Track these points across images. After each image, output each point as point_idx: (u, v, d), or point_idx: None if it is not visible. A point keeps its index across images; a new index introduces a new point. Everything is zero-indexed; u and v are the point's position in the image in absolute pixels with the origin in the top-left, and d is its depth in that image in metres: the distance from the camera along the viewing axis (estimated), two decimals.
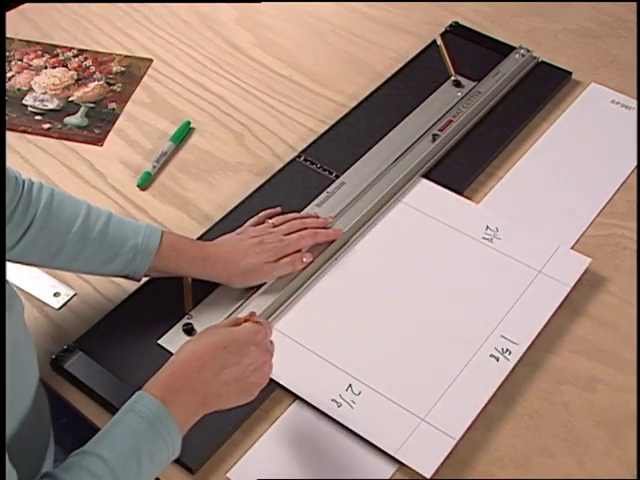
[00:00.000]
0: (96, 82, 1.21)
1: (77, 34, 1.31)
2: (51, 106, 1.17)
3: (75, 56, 1.25)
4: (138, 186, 1.08)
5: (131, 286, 0.93)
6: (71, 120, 1.15)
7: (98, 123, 1.15)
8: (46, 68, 1.23)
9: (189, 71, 1.26)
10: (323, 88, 1.23)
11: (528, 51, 1.24)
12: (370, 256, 0.98)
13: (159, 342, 0.88)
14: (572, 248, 0.99)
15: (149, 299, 0.92)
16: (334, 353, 0.87)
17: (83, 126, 1.15)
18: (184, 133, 1.15)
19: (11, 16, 1.33)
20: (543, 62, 1.25)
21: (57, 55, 1.25)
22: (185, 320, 0.90)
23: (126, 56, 1.27)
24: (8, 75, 1.22)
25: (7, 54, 1.26)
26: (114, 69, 1.23)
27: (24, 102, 1.18)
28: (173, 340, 0.88)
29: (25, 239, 0.81)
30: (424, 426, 0.81)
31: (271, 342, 0.79)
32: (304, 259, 0.94)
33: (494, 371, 0.86)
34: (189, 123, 1.16)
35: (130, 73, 1.23)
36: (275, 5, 1.38)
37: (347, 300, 0.93)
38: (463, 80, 1.20)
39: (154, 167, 1.09)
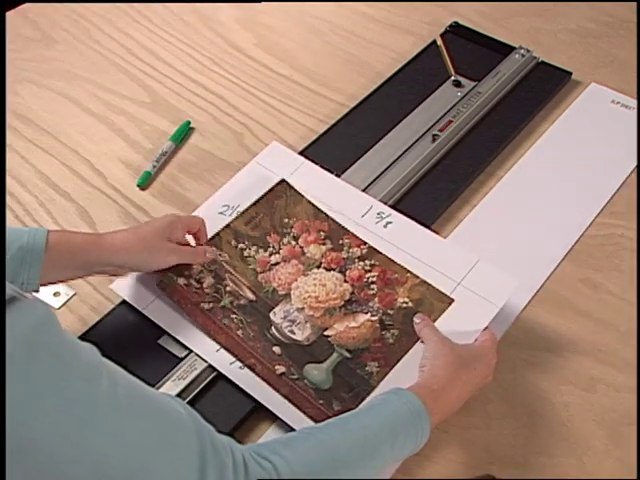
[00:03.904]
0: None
1: (77, 34, 1.31)
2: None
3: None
4: (138, 186, 1.08)
5: None
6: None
7: None
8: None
9: (189, 71, 1.26)
10: (323, 88, 1.23)
11: (528, 51, 1.24)
12: None
13: (159, 342, 0.88)
14: (572, 248, 0.99)
15: None
16: None
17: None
18: (184, 133, 1.15)
19: (11, 16, 1.34)
20: (543, 62, 1.25)
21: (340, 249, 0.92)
22: None
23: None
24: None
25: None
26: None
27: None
28: (173, 340, 0.87)
29: None
30: None
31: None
32: (207, 254, 0.91)
33: None
34: (189, 123, 1.16)
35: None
36: (275, 5, 1.38)
37: None
38: (463, 80, 1.20)
39: (154, 167, 1.09)
